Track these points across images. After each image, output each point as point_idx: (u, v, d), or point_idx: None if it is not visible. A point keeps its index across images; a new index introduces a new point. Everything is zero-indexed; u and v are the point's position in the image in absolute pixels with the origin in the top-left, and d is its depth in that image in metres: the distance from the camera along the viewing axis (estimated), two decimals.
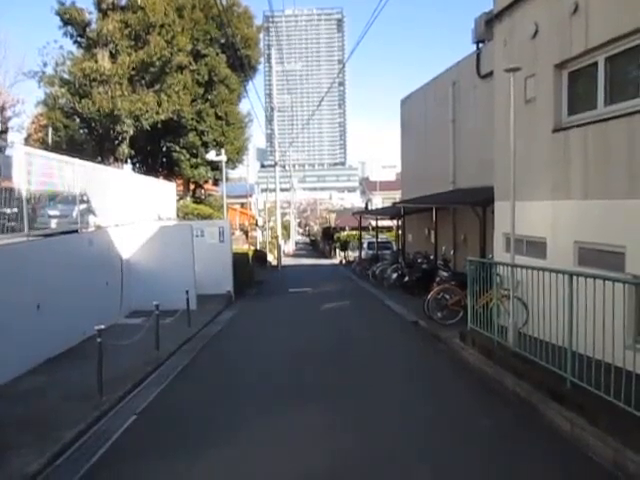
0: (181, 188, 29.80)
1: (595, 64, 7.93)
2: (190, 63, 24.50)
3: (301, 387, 7.53)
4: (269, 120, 40.67)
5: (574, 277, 5.85)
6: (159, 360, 8.95)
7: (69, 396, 6.84)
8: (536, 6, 9.17)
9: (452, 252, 17.00)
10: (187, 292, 12.23)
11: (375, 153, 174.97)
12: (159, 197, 17.97)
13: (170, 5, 21.40)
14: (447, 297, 11.34)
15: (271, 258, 36.84)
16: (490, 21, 10.88)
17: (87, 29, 19.18)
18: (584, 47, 7.94)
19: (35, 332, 8.34)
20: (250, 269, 21.87)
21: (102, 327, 6.93)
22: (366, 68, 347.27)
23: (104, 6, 19.06)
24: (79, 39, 19.77)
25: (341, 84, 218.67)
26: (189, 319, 11.90)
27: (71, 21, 19.07)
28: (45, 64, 19.09)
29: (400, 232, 24.18)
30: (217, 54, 27.09)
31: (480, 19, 12.30)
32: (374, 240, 29.85)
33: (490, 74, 12.42)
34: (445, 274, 13.00)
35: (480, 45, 14.92)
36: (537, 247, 9.14)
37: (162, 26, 20.09)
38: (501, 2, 10.26)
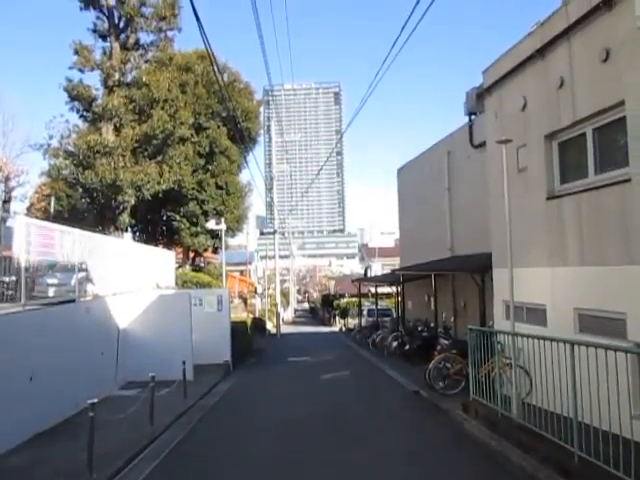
0: (181, 256, 29.96)
1: (584, 134, 8.19)
2: (192, 135, 25.24)
3: (301, 464, 7.24)
4: (268, 189, 41.43)
5: (576, 346, 5.78)
6: (153, 434, 8.66)
7: (58, 473, 6.58)
8: (523, 81, 9.58)
9: (452, 319, 16.85)
10: (184, 363, 12.00)
11: (374, 219, 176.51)
12: (158, 265, 18.01)
13: (174, 82, 22.29)
14: (448, 366, 11.12)
15: (270, 326, 36.44)
16: (481, 95, 11.34)
17: (93, 104, 19.83)
18: (572, 119, 8.23)
19: (26, 405, 8.11)
20: (249, 338, 21.60)
21: (95, 400, 6.75)
22: (364, 133, 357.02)
23: (110, 83, 19.81)
24: (85, 113, 20.43)
25: (339, 153, 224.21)
26: (185, 391, 11.62)
27: (78, 97, 19.77)
28: (51, 137, 19.61)
29: (400, 299, 24.06)
30: (218, 127, 27.99)
31: (471, 93, 12.81)
32: (374, 307, 29.67)
33: (483, 144, 12.79)
34: (446, 342, 12.83)
35: (472, 116, 15.46)
36: (537, 314, 9.08)
37: (165, 101, 20.83)
38: (490, 77, 10.72)
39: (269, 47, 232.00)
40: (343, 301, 43.47)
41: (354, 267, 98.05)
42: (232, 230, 29.95)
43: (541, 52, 8.93)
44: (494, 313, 10.73)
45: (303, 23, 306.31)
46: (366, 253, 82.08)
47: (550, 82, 8.71)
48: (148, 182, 19.90)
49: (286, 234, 59.57)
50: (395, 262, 39.37)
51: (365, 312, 30.89)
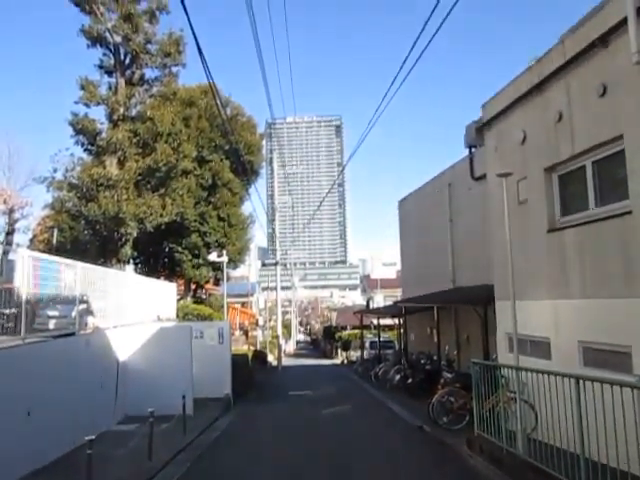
0: (182, 288, 29.87)
1: (583, 167, 8.25)
2: (195, 168, 25.49)
3: None
4: (271, 220, 41.60)
5: (581, 381, 5.70)
6: (152, 471, 8.48)
7: None
8: (522, 115, 9.70)
9: (455, 352, 16.68)
10: (184, 397, 11.84)
11: (375, 250, 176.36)
12: (159, 298, 17.95)
13: (177, 116, 22.64)
14: (452, 400, 10.96)
15: (271, 358, 36.06)
16: (480, 128, 11.46)
17: (97, 138, 20.10)
18: (571, 152, 8.30)
19: (24, 440, 7.98)
20: (249, 371, 21.35)
21: (92, 437, 6.65)
22: (365, 165, 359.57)
23: (115, 117, 20.12)
24: (89, 147, 20.69)
25: (340, 185, 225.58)
26: (185, 426, 11.43)
27: (83, 131, 20.06)
28: (55, 170, 19.84)
29: (402, 331, 23.88)
30: (221, 160, 28.28)
31: (471, 126, 12.88)
32: (376, 339, 29.43)
33: (484, 177, 12.85)
34: (449, 375, 12.66)
35: (472, 149, 15.57)
36: (541, 347, 8.99)
37: (169, 135, 21.11)
38: (489, 112, 10.86)
39: (271, 82, 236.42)
40: (345, 333, 43.15)
41: (356, 298, 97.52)
42: (234, 262, 29.91)
43: (539, 87, 9.06)
44: (497, 346, 10.63)
45: (306, 58, 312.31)
46: (368, 284, 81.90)
47: (549, 116, 8.82)
48: (151, 214, 20.01)
49: (288, 265, 59.55)
50: (397, 293, 39.23)
51: (367, 344, 30.62)
